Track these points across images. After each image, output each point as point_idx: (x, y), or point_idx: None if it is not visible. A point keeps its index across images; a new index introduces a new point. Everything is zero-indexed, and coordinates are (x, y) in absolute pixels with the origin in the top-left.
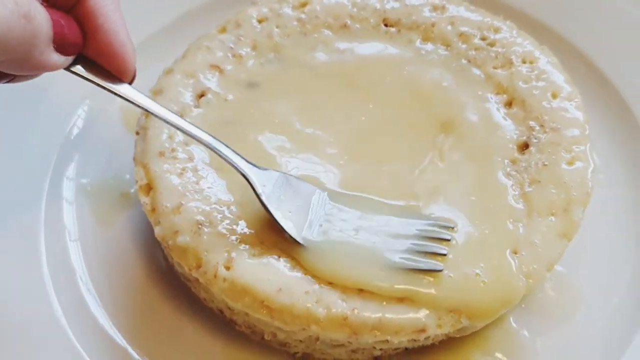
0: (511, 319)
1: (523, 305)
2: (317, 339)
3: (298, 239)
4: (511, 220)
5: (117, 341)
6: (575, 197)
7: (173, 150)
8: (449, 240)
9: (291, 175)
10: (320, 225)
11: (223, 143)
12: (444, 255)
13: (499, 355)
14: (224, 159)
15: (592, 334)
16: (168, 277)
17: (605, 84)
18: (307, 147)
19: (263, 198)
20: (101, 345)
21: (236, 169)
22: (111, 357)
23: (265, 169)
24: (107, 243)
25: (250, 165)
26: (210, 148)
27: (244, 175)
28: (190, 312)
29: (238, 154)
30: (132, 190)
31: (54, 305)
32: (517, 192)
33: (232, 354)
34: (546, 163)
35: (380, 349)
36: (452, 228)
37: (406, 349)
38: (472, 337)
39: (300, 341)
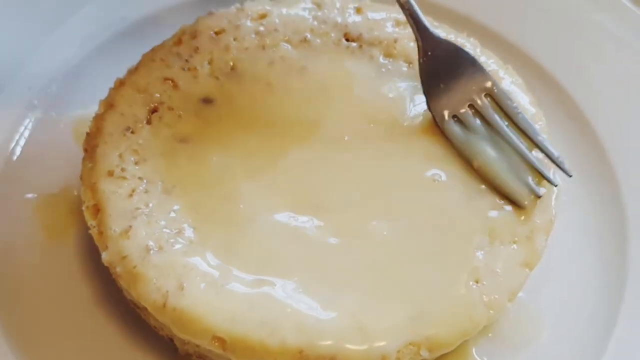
0: (473, 349)
1: (489, 335)
2: None
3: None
4: (474, 245)
5: None
6: (539, 224)
7: (123, 169)
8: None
9: None
10: None
11: None
12: None
13: None
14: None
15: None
16: (117, 301)
17: (569, 103)
18: (264, 168)
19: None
20: None
21: None
22: None
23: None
24: (52, 262)
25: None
26: None
27: None
28: (140, 339)
29: None
30: (83, 208)
31: None
32: (480, 219)
33: None
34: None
35: None
36: None
37: None
38: None
39: None
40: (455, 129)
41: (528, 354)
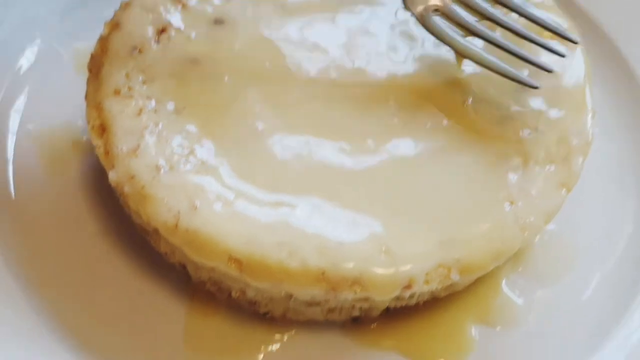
0: (503, 282)
1: (519, 269)
2: (290, 296)
3: None
4: (507, 169)
5: (67, 298)
6: (575, 145)
7: (130, 88)
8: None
9: None
10: None
11: None
12: None
13: (490, 319)
14: None
15: (587, 295)
16: (124, 230)
17: (601, 36)
18: (279, 92)
19: None
20: (48, 303)
21: None
22: (60, 314)
23: None
24: (56, 193)
25: None
26: None
27: None
28: (149, 269)
29: None
30: (85, 138)
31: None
32: (513, 139)
33: (196, 317)
34: (543, 109)
35: (360, 308)
36: None
37: (388, 309)
38: (460, 300)
39: (271, 299)
40: (437, 22)
41: (559, 288)
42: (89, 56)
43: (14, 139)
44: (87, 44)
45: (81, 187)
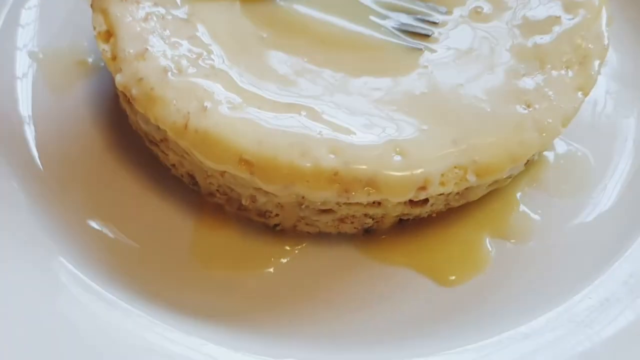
0: (518, 195)
1: (534, 185)
2: (301, 203)
3: None
4: (522, 71)
5: (75, 214)
6: (592, 50)
7: None
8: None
9: None
10: None
11: None
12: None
13: (505, 233)
14: None
15: (603, 209)
16: (130, 147)
17: None
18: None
19: None
20: (57, 211)
21: None
22: (69, 230)
23: None
24: (62, 112)
25: None
26: None
27: None
28: (157, 184)
29: None
30: (90, 60)
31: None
32: (528, 44)
33: (205, 230)
34: (558, 15)
35: (372, 218)
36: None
37: (401, 220)
38: (475, 214)
39: (282, 207)
40: None
41: (574, 203)
42: None
43: (21, 59)
44: None
45: (87, 106)
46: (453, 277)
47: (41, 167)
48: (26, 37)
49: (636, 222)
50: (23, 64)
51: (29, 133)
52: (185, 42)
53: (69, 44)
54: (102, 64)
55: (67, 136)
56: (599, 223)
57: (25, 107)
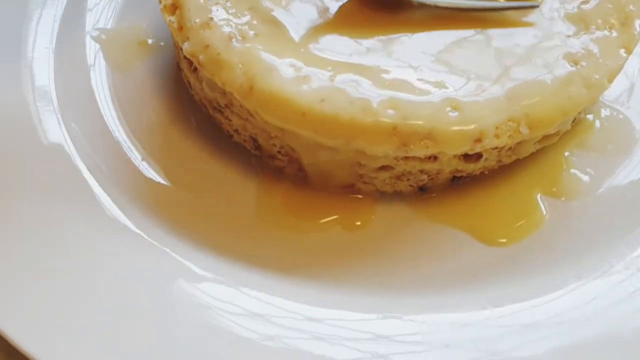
0: (566, 153)
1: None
2: (362, 157)
3: None
4: (568, 33)
5: (146, 179)
6: (633, 10)
7: None
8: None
9: None
10: None
11: None
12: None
13: (555, 191)
14: None
15: None
16: (193, 119)
17: None
18: None
19: None
20: (131, 181)
21: None
22: (140, 192)
23: None
24: (125, 89)
25: None
26: None
27: None
28: (220, 151)
29: None
30: (150, 41)
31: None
32: (571, 8)
33: (267, 191)
34: None
35: (428, 175)
36: None
37: (454, 177)
38: (526, 172)
39: (342, 165)
40: None
41: (619, 161)
42: None
43: (86, 41)
44: None
45: (150, 82)
46: (504, 240)
47: (114, 139)
48: (89, 21)
49: None
50: (88, 46)
51: (96, 108)
52: (248, 11)
53: (129, 26)
54: (162, 44)
55: (132, 111)
56: None
57: (93, 85)
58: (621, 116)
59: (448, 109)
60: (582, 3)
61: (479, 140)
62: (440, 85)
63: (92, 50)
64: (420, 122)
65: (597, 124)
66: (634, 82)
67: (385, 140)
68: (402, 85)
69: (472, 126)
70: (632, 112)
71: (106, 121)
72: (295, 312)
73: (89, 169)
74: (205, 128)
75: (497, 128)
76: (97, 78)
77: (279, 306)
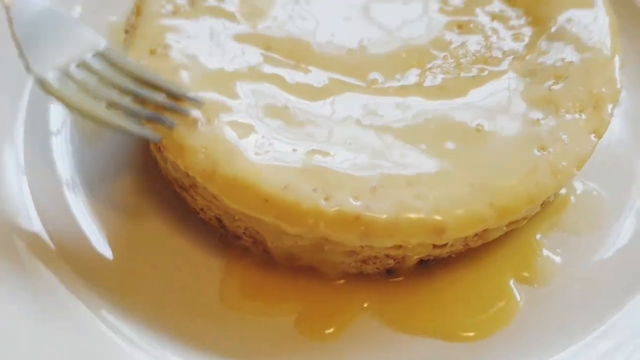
0: (538, 236)
1: (557, 231)
2: (325, 243)
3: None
4: (537, 117)
5: (104, 255)
6: (604, 93)
7: (166, 47)
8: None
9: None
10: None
11: None
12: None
13: (525, 274)
14: None
15: (620, 249)
16: (160, 190)
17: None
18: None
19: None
20: (86, 257)
21: None
22: (96, 269)
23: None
24: (94, 154)
25: None
26: None
27: None
28: (185, 227)
29: None
30: None
31: (31, 215)
32: (542, 89)
33: (232, 272)
34: (572, 60)
35: (394, 260)
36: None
37: (421, 261)
38: (496, 256)
39: (306, 249)
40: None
41: (593, 240)
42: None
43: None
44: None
45: (118, 149)
46: (471, 334)
47: (72, 210)
48: None
49: None
50: (56, 114)
51: (62, 177)
52: (213, 93)
53: None
54: None
55: (98, 180)
56: (616, 260)
57: (58, 152)
58: (594, 193)
59: (411, 198)
60: (553, 84)
61: (442, 231)
62: (404, 172)
63: (60, 115)
64: (384, 215)
65: (569, 198)
66: (608, 157)
67: (348, 229)
68: (365, 171)
69: (436, 217)
70: (606, 188)
71: (64, 191)
72: None
73: (33, 243)
74: (172, 202)
75: (461, 218)
76: (61, 145)
77: None
